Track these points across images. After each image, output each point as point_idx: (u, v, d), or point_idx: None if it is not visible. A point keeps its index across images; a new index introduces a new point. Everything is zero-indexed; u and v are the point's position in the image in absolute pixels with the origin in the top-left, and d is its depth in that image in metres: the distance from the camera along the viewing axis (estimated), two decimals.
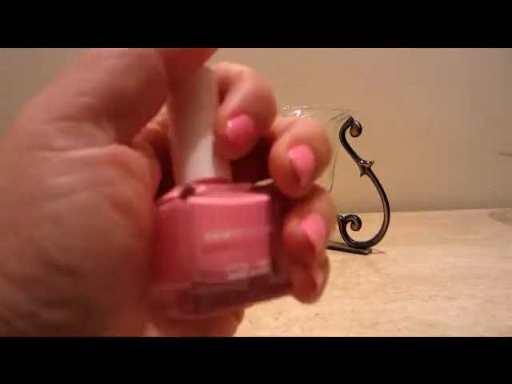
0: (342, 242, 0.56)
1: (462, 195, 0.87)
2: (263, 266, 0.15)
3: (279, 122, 0.17)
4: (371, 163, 0.54)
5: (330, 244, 0.56)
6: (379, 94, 0.82)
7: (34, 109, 0.13)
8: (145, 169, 0.14)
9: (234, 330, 0.18)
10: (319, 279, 0.16)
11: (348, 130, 0.54)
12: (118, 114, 0.14)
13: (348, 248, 0.55)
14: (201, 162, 0.16)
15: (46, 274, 0.11)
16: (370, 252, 0.54)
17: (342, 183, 0.63)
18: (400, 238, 0.61)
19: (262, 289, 0.15)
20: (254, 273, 0.14)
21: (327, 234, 0.16)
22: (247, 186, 0.16)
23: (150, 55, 0.14)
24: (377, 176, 0.54)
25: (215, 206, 0.14)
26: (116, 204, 0.13)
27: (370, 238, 0.54)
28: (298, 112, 0.54)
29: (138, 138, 0.17)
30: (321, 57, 0.78)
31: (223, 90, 0.16)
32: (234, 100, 0.16)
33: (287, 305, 0.15)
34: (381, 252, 0.54)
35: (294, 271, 0.15)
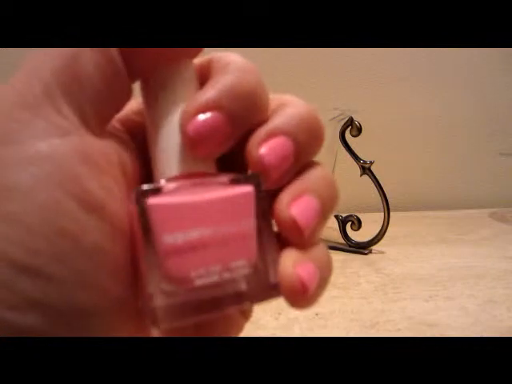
0: (342, 241, 0.56)
1: (462, 195, 0.86)
2: (241, 266, 0.13)
3: (272, 100, 0.16)
4: (371, 163, 0.54)
5: (330, 244, 0.56)
6: (379, 94, 0.82)
7: None
8: (116, 163, 0.13)
9: (241, 329, 0.17)
10: (310, 278, 0.14)
11: (348, 129, 0.54)
12: (77, 96, 0.13)
13: (348, 248, 0.55)
14: (174, 157, 0.14)
15: (10, 277, 0.11)
16: (370, 252, 0.54)
17: (342, 183, 0.63)
18: (400, 237, 0.61)
19: (244, 293, 0.14)
20: (228, 276, 0.13)
21: (322, 214, 0.15)
22: (228, 177, 0.14)
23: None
24: (377, 176, 0.54)
25: (179, 204, 0.13)
26: (84, 203, 0.12)
27: (370, 237, 0.54)
28: None
29: (119, 130, 0.16)
30: (321, 57, 0.78)
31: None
32: (203, 94, 0.14)
33: (287, 304, 0.14)
34: (381, 252, 0.54)
35: (281, 268, 0.14)
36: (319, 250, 0.15)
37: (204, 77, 0.15)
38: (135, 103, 0.17)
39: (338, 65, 0.80)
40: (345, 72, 0.80)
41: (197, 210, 0.13)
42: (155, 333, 0.15)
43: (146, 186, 0.13)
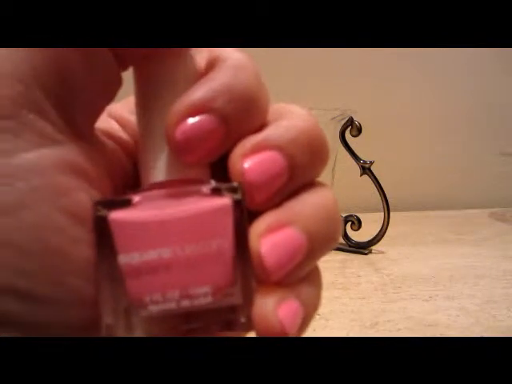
0: (342, 242, 0.56)
1: (462, 195, 0.86)
2: (202, 294, 0.12)
3: (274, 110, 0.14)
4: (371, 163, 0.54)
5: None
6: (379, 94, 0.82)
7: None
8: (105, 169, 0.12)
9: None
10: (292, 320, 0.12)
11: (348, 129, 0.54)
12: (62, 96, 0.11)
13: (348, 248, 0.55)
14: (157, 164, 0.13)
15: (1, 301, 0.10)
16: (370, 252, 0.54)
17: (342, 183, 0.63)
18: (400, 237, 0.61)
19: (206, 322, 0.12)
20: (187, 303, 0.12)
21: (307, 252, 0.12)
22: (209, 187, 0.12)
23: None
24: (377, 176, 0.54)
25: (139, 221, 0.11)
26: (74, 216, 0.11)
27: (370, 237, 0.54)
28: None
29: (116, 130, 0.15)
30: (321, 57, 0.78)
31: None
32: (194, 94, 0.12)
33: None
34: (381, 252, 0.54)
35: (259, 305, 0.12)
36: (307, 289, 0.13)
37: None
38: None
39: (338, 65, 0.80)
40: (345, 72, 0.80)
41: (158, 228, 0.11)
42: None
43: (107, 199, 0.12)
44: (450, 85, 0.85)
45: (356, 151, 0.55)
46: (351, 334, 0.32)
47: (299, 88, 0.78)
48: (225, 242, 0.12)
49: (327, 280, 0.44)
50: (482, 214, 0.78)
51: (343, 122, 0.54)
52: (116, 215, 0.11)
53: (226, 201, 0.12)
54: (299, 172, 0.13)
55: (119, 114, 0.15)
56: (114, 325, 0.12)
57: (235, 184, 0.12)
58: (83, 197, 0.11)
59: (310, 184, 0.13)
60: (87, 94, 0.12)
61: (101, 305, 0.11)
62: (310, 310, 0.13)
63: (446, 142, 0.86)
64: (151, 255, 0.11)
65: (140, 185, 0.13)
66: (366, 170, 0.54)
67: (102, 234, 0.11)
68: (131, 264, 0.11)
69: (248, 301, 0.12)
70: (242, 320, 0.12)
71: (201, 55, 0.14)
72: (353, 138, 0.54)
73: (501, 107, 0.87)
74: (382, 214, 0.53)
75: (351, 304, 0.38)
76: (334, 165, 0.58)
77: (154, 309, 0.11)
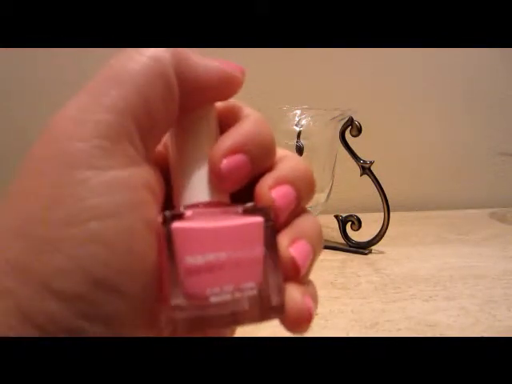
0: (342, 241, 0.56)
1: (462, 195, 0.86)
2: (250, 288, 0.15)
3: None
4: (371, 163, 0.54)
5: (330, 244, 0.56)
6: (379, 94, 0.82)
7: (68, 126, 0.13)
8: (161, 190, 0.15)
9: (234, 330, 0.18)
10: (311, 305, 0.16)
11: (348, 129, 0.54)
12: (147, 132, 0.14)
13: (348, 248, 0.55)
14: (196, 188, 0.16)
15: (90, 291, 0.12)
16: (370, 252, 0.54)
17: (342, 183, 0.63)
18: (400, 237, 0.61)
19: (250, 311, 0.15)
20: (239, 295, 0.14)
21: (313, 258, 0.17)
22: (242, 208, 0.16)
23: (170, 73, 0.14)
24: (377, 176, 0.54)
25: (198, 229, 0.14)
26: (149, 226, 0.14)
27: (370, 237, 0.54)
28: (298, 112, 0.54)
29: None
30: (321, 57, 0.78)
31: (228, 126, 0.17)
32: (234, 138, 0.16)
33: (286, 329, 0.15)
34: (381, 252, 0.54)
35: (290, 295, 0.15)
36: (312, 287, 0.17)
37: (223, 120, 0.17)
38: None
39: (338, 65, 0.80)
40: (345, 72, 0.80)
41: (215, 235, 0.15)
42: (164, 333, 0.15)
43: (172, 212, 0.14)
44: (450, 85, 0.85)
45: (356, 151, 0.55)
46: (351, 334, 0.32)
47: (299, 88, 0.78)
48: (260, 248, 0.15)
49: (327, 280, 0.44)
50: (482, 214, 0.78)
51: (343, 121, 0.54)
52: (180, 225, 0.14)
53: (260, 218, 0.16)
54: (302, 200, 0.17)
55: None
56: (175, 320, 0.14)
57: (264, 206, 0.16)
58: (154, 210, 0.14)
59: (303, 210, 0.18)
60: (159, 127, 0.15)
61: (167, 302, 0.14)
62: (316, 305, 0.17)
63: (445, 142, 0.86)
64: (211, 257, 0.14)
65: (172, 204, 0.16)
66: (365, 169, 0.54)
67: (171, 240, 0.14)
68: (196, 264, 0.14)
69: (279, 293, 0.15)
70: (274, 308, 0.15)
71: (218, 104, 0.18)
72: (353, 138, 0.54)
73: (501, 107, 0.87)
74: (381, 214, 0.53)
75: (351, 304, 0.38)
76: (334, 165, 0.58)
77: (215, 299, 0.14)
